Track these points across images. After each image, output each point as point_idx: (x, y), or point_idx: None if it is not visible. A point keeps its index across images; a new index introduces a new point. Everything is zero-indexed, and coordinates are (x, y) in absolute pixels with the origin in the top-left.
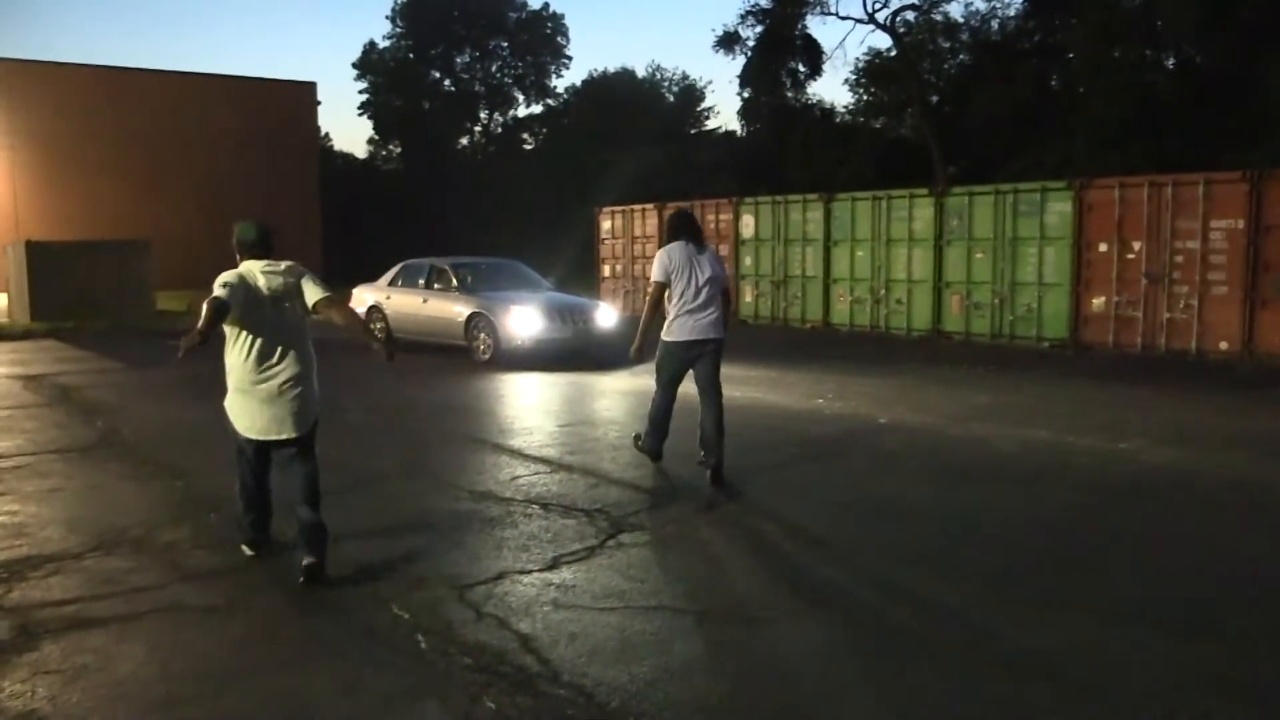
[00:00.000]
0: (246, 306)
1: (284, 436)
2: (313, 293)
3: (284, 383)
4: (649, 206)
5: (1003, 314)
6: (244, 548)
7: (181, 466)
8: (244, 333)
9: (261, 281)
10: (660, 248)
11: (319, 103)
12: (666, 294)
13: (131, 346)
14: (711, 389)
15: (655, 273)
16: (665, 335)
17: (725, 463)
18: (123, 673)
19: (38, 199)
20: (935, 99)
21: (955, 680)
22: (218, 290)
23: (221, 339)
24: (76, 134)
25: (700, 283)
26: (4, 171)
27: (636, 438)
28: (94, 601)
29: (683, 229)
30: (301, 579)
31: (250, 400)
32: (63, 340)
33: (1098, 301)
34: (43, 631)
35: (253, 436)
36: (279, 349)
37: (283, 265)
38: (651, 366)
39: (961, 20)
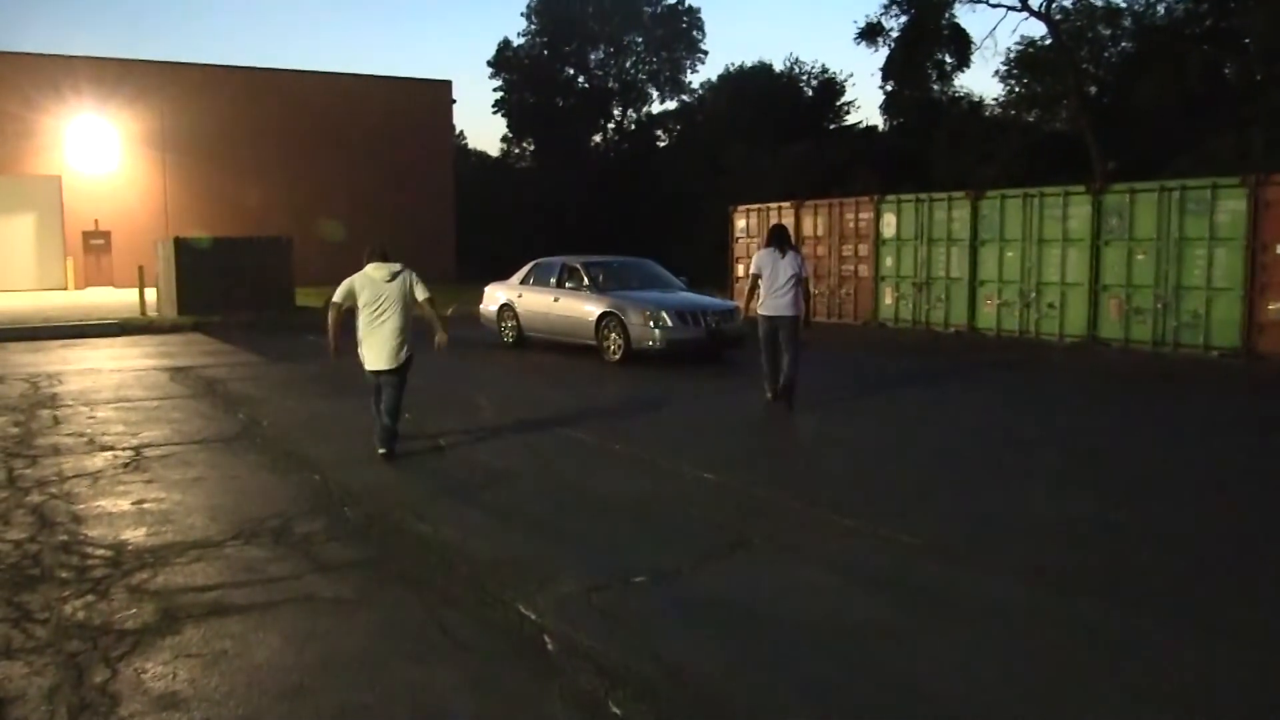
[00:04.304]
0: (361, 293)
1: (384, 368)
2: (420, 293)
3: (385, 336)
4: (785, 205)
5: (1166, 320)
6: (380, 452)
7: (317, 460)
8: (360, 306)
9: (372, 274)
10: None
11: (454, 101)
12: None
13: (273, 341)
14: (789, 348)
15: (752, 267)
16: (757, 310)
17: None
18: (259, 659)
19: (186, 197)
20: (1094, 90)
21: (1114, 711)
22: (337, 294)
23: (354, 313)
24: (222, 134)
25: (779, 278)
26: (156, 170)
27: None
28: (233, 589)
29: (772, 238)
30: (381, 450)
31: (368, 345)
32: (207, 334)
33: (1275, 307)
34: (185, 616)
35: (370, 367)
36: (381, 316)
37: (387, 265)
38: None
39: (1124, 5)
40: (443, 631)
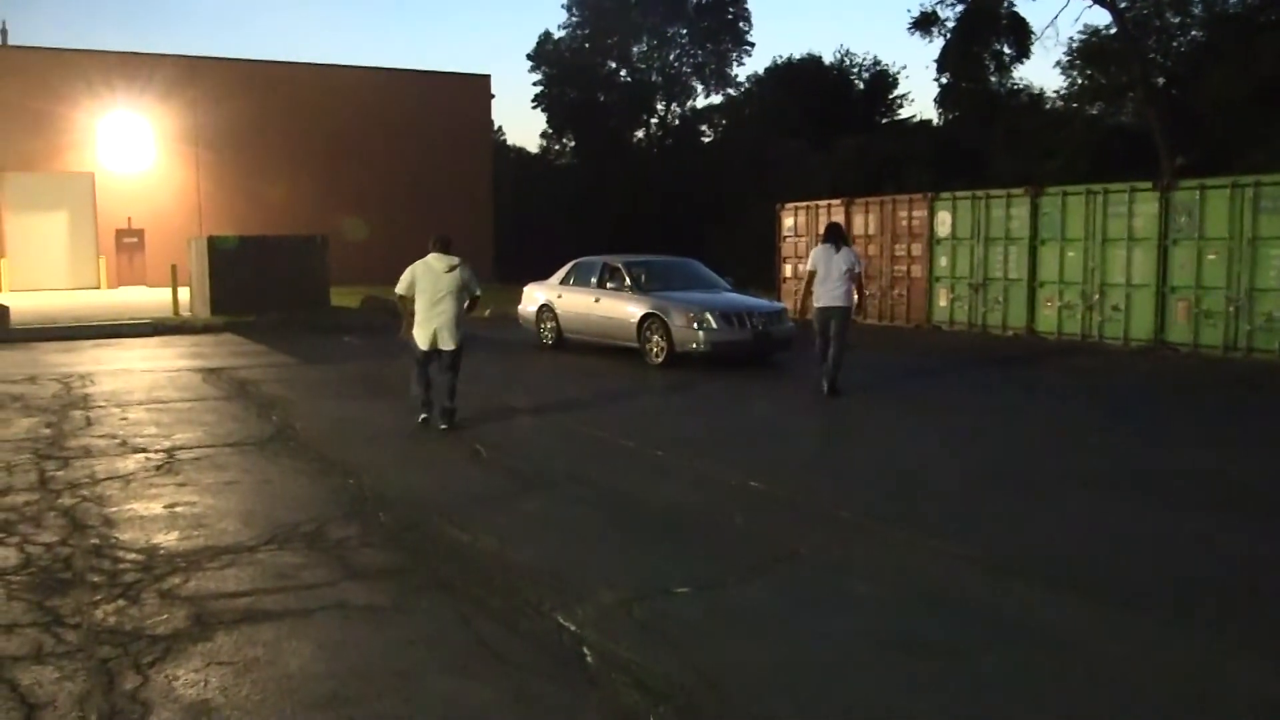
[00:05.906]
0: (420, 280)
1: (440, 348)
2: (474, 289)
3: (440, 322)
4: (835, 202)
5: (1238, 323)
6: (420, 418)
7: (352, 464)
8: (420, 292)
9: (433, 264)
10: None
11: (493, 96)
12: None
13: (307, 342)
14: (837, 338)
15: (808, 263)
16: (813, 303)
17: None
18: (291, 668)
19: (220, 194)
20: (1161, 81)
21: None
22: (400, 286)
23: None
24: (256, 130)
25: (833, 272)
26: (189, 167)
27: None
28: (265, 595)
29: (827, 236)
30: (443, 425)
31: (424, 328)
32: (240, 334)
33: None
34: (216, 622)
35: (424, 347)
36: (439, 302)
37: (446, 258)
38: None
39: None
40: (479, 642)
